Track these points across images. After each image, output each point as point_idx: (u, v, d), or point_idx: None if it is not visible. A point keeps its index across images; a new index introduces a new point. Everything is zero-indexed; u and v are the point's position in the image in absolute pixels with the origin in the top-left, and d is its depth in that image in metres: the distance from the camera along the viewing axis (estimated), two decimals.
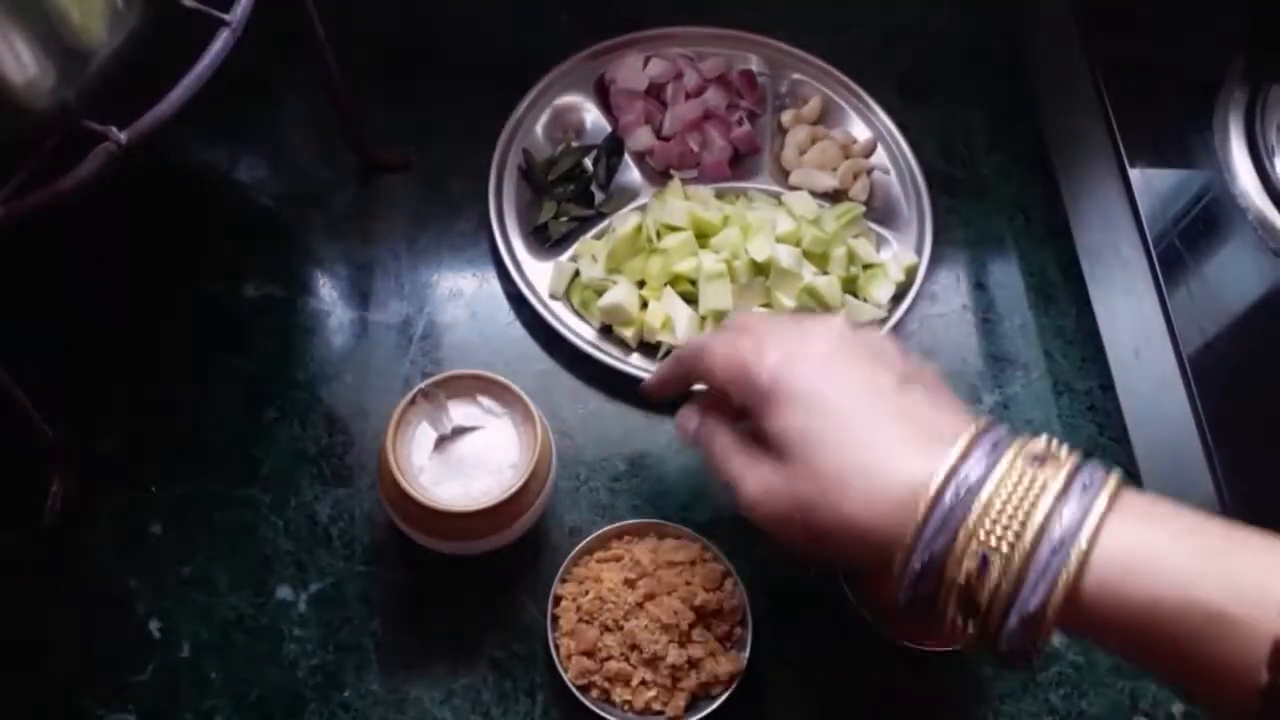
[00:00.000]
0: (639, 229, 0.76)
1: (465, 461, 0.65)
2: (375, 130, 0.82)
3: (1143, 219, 0.71)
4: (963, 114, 0.90)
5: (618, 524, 0.68)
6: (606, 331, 0.76)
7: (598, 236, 0.79)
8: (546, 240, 0.80)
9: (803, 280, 0.75)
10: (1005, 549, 0.42)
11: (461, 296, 0.78)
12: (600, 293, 0.76)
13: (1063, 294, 0.82)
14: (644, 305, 0.76)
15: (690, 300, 0.75)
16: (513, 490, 0.62)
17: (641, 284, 0.76)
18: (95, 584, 0.66)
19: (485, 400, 0.66)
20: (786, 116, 0.87)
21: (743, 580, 0.66)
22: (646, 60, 0.86)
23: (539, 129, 0.84)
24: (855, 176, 0.83)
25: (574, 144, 0.85)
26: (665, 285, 0.76)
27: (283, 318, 0.76)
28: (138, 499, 0.69)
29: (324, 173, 0.83)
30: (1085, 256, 0.80)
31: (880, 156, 0.85)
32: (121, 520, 0.68)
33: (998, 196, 0.86)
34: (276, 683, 0.64)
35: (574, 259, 0.78)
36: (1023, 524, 0.42)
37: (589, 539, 0.67)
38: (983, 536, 0.43)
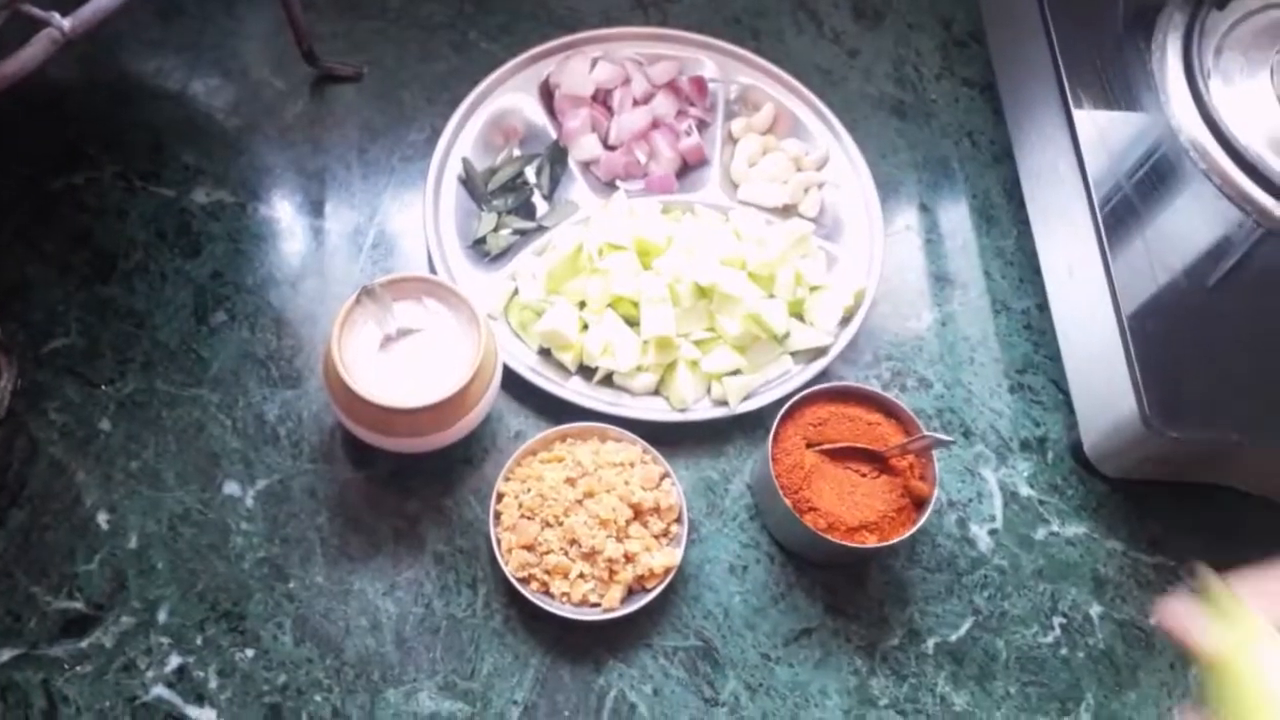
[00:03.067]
0: (579, 248, 0.73)
1: (410, 361, 0.66)
2: (327, 42, 0.82)
3: (1080, 141, 0.73)
4: (915, 39, 0.91)
5: (561, 427, 0.69)
6: (546, 354, 0.73)
7: (539, 252, 0.76)
8: (486, 254, 0.77)
9: (747, 305, 0.71)
10: None
11: (412, 207, 0.79)
12: (540, 314, 0.73)
13: (1004, 216, 0.83)
14: (585, 327, 0.73)
15: (632, 322, 0.72)
16: (457, 388, 0.63)
17: (582, 305, 0.73)
18: (45, 477, 0.67)
19: (430, 302, 0.67)
20: (737, 125, 0.83)
21: (681, 482, 0.68)
22: (594, 63, 0.82)
23: (478, 134, 0.80)
24: (806, 191, 0.80)
25: (516, 152, 0.81)
26: (607, 307, 0.73)
27: (233, 224, 0.77)
28: (87, 396, 0.70)
29: (276, 83, 0.83)
30: (1027, 179, 0.81)
31: (833, 170, 0.81)
32: (71, 416, 0.69)
33: (945, 121, 0.88)
34: (223, 574, 0.66)
35: (513, 276, 0.75)
36: None
37: (532, 440, 0.68)
38: None
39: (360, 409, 0.63)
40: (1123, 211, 0.70)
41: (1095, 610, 0.70)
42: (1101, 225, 0.70)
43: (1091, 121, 0.74)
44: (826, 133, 0.82)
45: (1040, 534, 0.72)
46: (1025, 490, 0.73)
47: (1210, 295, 0.68)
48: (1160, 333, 0.66)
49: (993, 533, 0.72)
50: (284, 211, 0.78)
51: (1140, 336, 0.66)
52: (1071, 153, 0.73)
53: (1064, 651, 0.68)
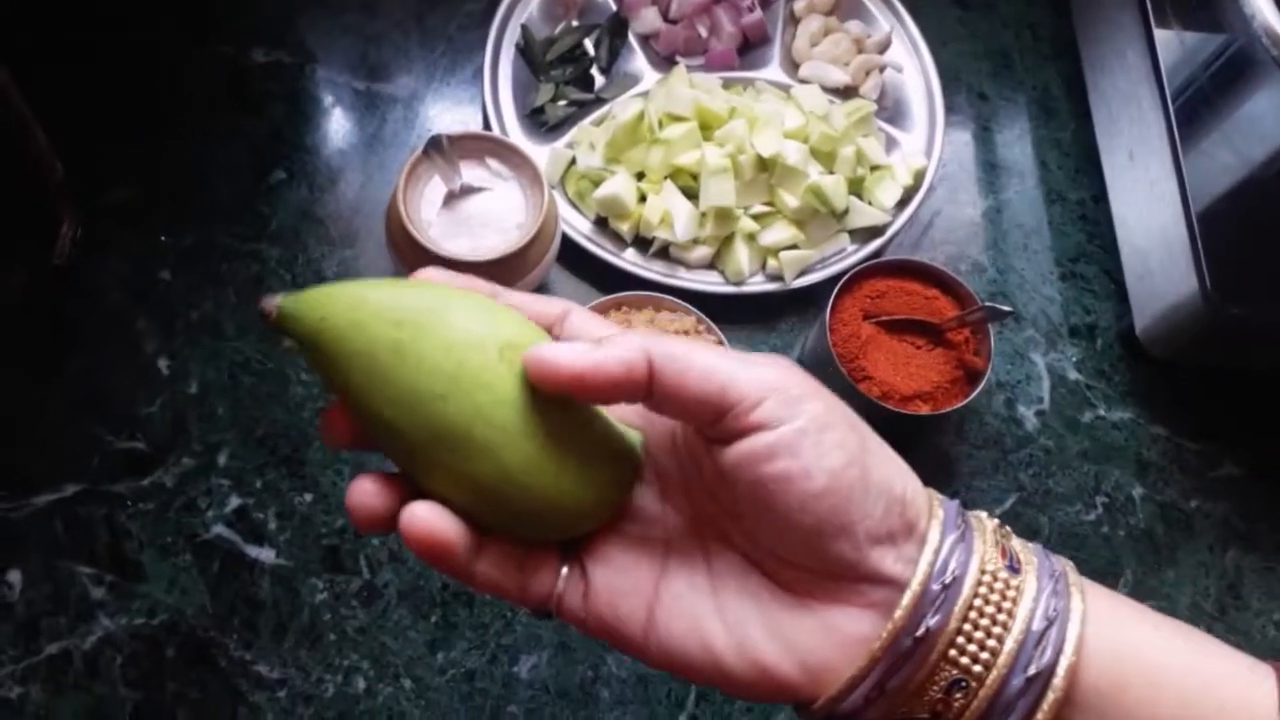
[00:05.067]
0: (641, 117, 0.72)
1: (473, 219, 0.66)
2: None
3: (1152, 26, 0.72)
4: None
5: (616, 295, 0.70)
6: (602, 224, 0.74)
7: (597, 123, 0.75)
8: (543, 124, 0.76)
9: (808, 179, 0.71)
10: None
11: (470, 76, 0.79)
12: (597, 183, 0.72)
13: (1063, 108, 0.83)
14: (642, 198, 0.72)
15: (691, 195, 0.72)
16: (519, 245, 0.63)
17: (641, 176, 0.73)
18: (105, 323, 0.68)
19: (494, 163, 0.67)
20: (800, 5, 0.82)
21: (736, 349, 0.68)
22: None
23: (538, 4, 0.79)
24: (867, 73, 0.80)
25: (575, 23, 0.80)
26: (666, 178, 0.72)
27: (291, 84, 0.77)
28: (148, 245, 0.70)
29: None
30: (1090, 69, 0.81)
31: (894, 53, 0.81)
32: (131, 264, 0.70)
33: (1006, 12, 0.87)
34: (282, 421, 0.67)
35: (571, 145, 0.75)
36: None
37: (588, 306, 0.69)
38: None
39: (422, 261, 0.64)
40: (1190, 96, 0.70)
41: (1137, 492, 0.71)
42: (1171, 109, 0.70)
43: (1162, 7, 0.73)
44: (889, 16, 0.82)
45: (1087, 417, 0.73)
46: (1073, 375, 0.74)
47: (1275, 179, 0.67)
48: (1222, 212, 0.66)
49: (1040, 414, 0.72)
50: (341, 75, 0.78)
51: (1203, 216, 0.66)
52: (1141, 39, 0.73)
53: (1105, 529, 0.69)
